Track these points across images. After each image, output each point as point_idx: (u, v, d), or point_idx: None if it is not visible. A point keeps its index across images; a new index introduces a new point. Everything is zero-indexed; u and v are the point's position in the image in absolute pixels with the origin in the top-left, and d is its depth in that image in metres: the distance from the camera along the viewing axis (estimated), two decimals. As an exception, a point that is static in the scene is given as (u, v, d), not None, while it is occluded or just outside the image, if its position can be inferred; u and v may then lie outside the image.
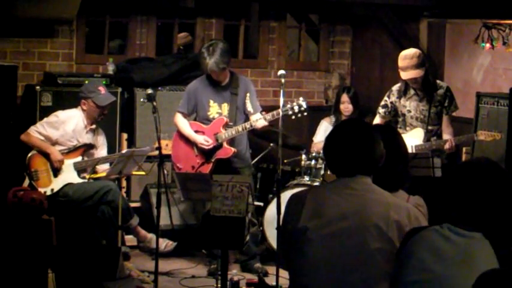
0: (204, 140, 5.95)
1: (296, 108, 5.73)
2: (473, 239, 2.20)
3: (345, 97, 7.05)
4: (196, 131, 6.02)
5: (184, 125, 6.08)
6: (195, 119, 6.13)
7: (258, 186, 6.80)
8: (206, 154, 6.01)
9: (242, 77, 6.20)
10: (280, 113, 5.58)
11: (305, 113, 5.79)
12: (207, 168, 5.97)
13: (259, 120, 5.84)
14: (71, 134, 6.10)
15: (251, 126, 5.87)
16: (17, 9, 6.48)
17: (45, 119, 6.12)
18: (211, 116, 6.01)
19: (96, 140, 6.25)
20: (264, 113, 5.91)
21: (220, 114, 5.99)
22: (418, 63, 5.89)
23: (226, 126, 5.95)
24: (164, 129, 5.80)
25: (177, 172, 5.85)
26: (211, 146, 5.94)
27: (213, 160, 5.99)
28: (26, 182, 5.97)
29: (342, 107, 7.05)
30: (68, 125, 6.10)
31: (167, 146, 5.91)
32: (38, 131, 6.04)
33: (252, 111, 5.97)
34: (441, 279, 2.23)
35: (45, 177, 6.01)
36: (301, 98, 5.81)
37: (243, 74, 6.17)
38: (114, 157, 6.01)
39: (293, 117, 5.79)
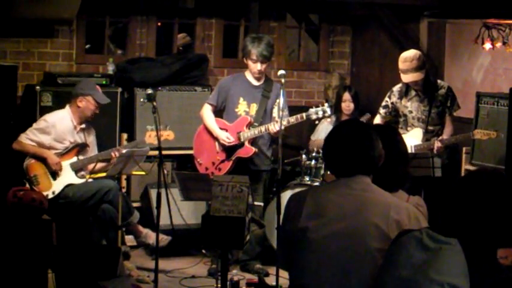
0: (226, 137, 5.95)
1: (320, 113, 5.75)
2: (447, 244, 2.19)
3: (346, 95, 7.07)
4: (220, 128, 6.03)
5: (209, 117, 6.09)
6: (221, 115, 6.13)
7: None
8: (227, 152, 6.02)
9: (277, 84, 6.16)
10: (305, 117, 5.72)
11: (328, 119, 5.87)
12: (227, 166, 5.99)
13: (271, 125, 5.82)
14: (62, 135, 6.08)
15: (265, 129, 5.86)
16: (17, 9, 6.48)
17: (34, 125, 6.07)
18: (238, 113, 6.02)
19: (88, 140, 6.23)
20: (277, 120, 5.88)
21: (247, 113, 6.00)
22: (418, 66, 5.88)
23: (249, 125, 5.96)
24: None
25: (177, 172, 5.85)
26: (232, 144, 5.95)
27: (233, 158, 5.99)
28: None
29: (343, 105, 7.06)
30: (58, 127, 6.07)
31: (149, 137, 5.84)
32: (30, 138, 6.01)
33: (276, 117, 5.95)
34: (407, 283, 2.22)
35: (45, 181, 5.99)
36: (326, 104, 5.86)
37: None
38: (109, 153, 6.03)
39: (316, 122, 5.90)
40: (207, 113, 6.11)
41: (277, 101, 5.96)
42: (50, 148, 6.04)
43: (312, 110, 5.76)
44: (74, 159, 6.11)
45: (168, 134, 5.93)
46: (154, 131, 5.49)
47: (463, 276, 2.11)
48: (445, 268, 2.14)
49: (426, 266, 2.17)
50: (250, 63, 5.98)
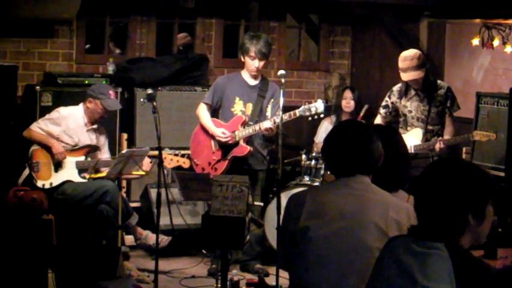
0: (222, 133, 5.95)
1: (313, 110, 5.74)
2: (434, 249, 2.19)
3: (347, 93, 7.08)
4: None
5: (205, 116, 6.09)
6: (217, 115, 6.13)
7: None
8: (223, 151, 6.02)
9: (273, 83, 6.17)
10: (297, 114, 5.67)
11: (321, 115, 5.81)
12: (223, 165, 5.98)
13: (265, 122, 5.82)
14: (71, 129, 6.11)
15: (260, 128, 5.86)
16: (17, 9, 6.48)
17: (47, 116, 6.13)
18: (234, 113, 6.01)
19: (99, 141, 6.25)
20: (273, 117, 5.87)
21: (244, 112, 6.00)
22: (418, 65, 5.88)
23: (244, 124, 5.95)
24: (164, 131, 5.78)
25: (177, 172, 5.85)
26: (228, 139, 5.94)
27: (229, 157, 5.99)
28: (26, 173, 5.96)
29: (343, 102, 7.06)
30: (69, 120, 6.11)
31: (165, 159, 5.70)
32: (40, 127, 6.06)
33: (269, 116, 5.95)
34: None
35: (46, 170, 6.00)
36: (319, 100, 5.83)
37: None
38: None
39: (309, 118, 5.80)
40: (202, 111, 6.12)
41: (272, 100, 5.99)
42: (58, 139, 6.06)
43: (305, 107, 5.76)
44: (82, 158, 6.12)
45: (184, 162, 5.96)
46: (169, 154, 5.71)
47: (449, 281, 2.13)
48: (431, 273, 2.15)
49: (414, 271, 2.18)
50: (248, 60, 5.96)
